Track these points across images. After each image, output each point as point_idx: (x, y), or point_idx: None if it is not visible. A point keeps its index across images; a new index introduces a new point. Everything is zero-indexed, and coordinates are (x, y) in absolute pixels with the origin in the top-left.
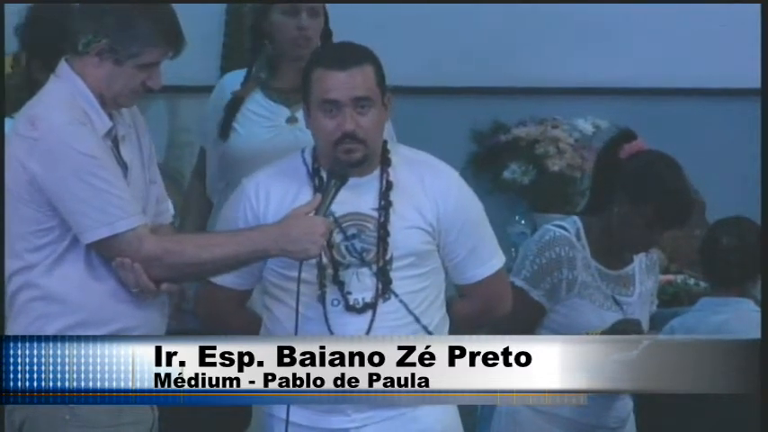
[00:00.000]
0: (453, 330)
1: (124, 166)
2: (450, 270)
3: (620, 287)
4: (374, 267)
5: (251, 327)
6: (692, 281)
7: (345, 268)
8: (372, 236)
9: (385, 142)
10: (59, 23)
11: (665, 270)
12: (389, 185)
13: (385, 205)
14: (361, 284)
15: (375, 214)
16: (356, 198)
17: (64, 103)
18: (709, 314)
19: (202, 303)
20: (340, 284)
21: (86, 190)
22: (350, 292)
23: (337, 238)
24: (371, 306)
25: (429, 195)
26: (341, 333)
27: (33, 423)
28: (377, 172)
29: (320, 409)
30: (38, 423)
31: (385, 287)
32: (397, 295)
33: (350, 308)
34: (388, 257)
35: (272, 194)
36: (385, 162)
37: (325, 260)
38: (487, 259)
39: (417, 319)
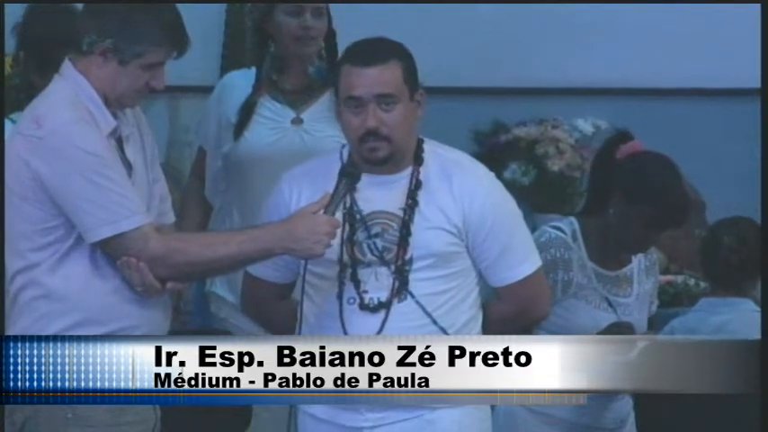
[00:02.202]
0: (488, 332)
1: (128, 166)
2: (482, 272)
3: (618, 288)
4: (393, 267)
5: (293, 319)
6: (692, 281)
7: (365, 267)
8: (395, 235)
9: (421, 140)
10: (54, 25)
11: (666, 270)
12: (418, 185)
13: (411, 204)
14: (379, 284)
15: (401, 213)
16: (385, 196)
17: (68, 103)
18: (710, 315)
19: (246, 296)
20: (357, 283)
21: (91, 189)
22: (366, 291)
23: (361, 236)
24: (385, 306)
25: (456, 196)
26: (354, 332)
27: (35, 422)
28: (408, 170)
29: (337, 406)
30: (39, 422)
31: (401, 287)
32: (413, 296)
33: (364, 306)
34: (407, 257)
35: (305, 188)
36: (417, 161)
37: (346, 258)
38: (519, 263)
39: (435, 321)
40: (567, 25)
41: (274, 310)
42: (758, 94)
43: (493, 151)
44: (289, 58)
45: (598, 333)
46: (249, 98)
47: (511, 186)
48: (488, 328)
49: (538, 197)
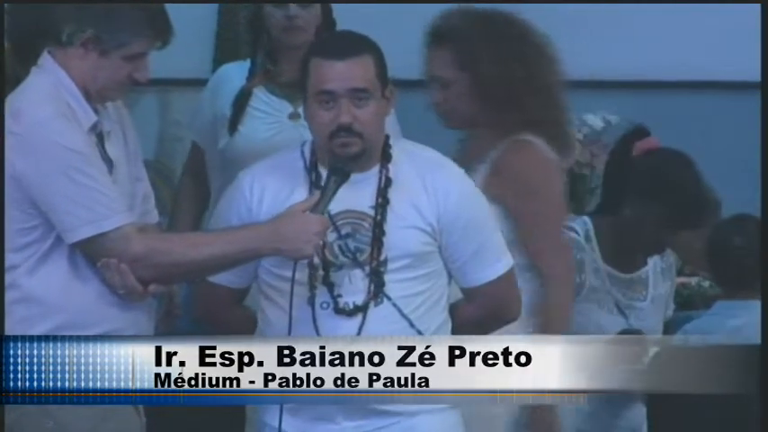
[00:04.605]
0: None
1: (109, 163)
2: (453, 272)
3: (632, 291)
4: (367, 269)
5: (247, 326)
6: (707, 283)
7: (337, 269)
8: (367, 235)
9: (387, 137)
10: (33, 15)
11: (679, 272)
12: (388, 182)
13: (382, 203)
14: (353, 287)
15: (372, 212)
16: (353, 195)
17: (47, 97)
18: (726, 318)
19: (197, 302)
20: (330, 286)
21: (71, 187)
22: (340, 295)
23: (331, 236)
24: (362, 309)
25: (429, 193)
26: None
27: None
28: (376, 168)
29: (310, 417)
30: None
31: (377, 290)
32: (390, 298)
33: (339, 311)
34: (382, 258)
35: (267, 189)
36: (385, 158)
37: (316, 260)
38: (493, 262)
39: (411, 324)
40: (575, 16)
41: (229, 317)
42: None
43: None
44: (282, 50)
45: (608, 339)
46: (244, 88)
47: None
48: (456, 332)
49: None
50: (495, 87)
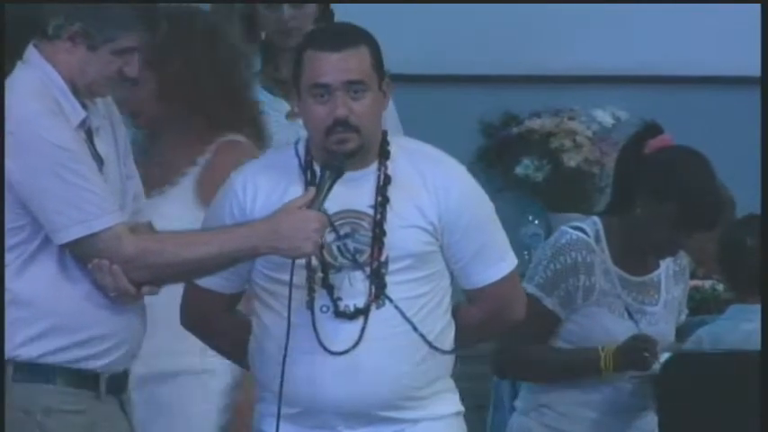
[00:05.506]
0: (460, 338)
1: (99, 160)
2: (455, 273)
3: (644, 295)
4: (368, 270)
5: (240, 333)
6: (720, 287)
7: (337, 271)
8: (367, 235)
9: (385, 133)
10: (19, 8)
11: (692, 275)
12: (387, 180)
13: (382, 202)
14: (354, 289)
15: (371, 212)
16: (351, 194)
17: (34, 92)
18: (740, 322)
19: (188, 308)
20: (330, 289)
21: (60, 185)
22: (340, 298)
23: (329, 237)
24: (363, 312)
25: (430, 191)
26: (330, 342)
27: None
28: (374, 165)
29: (309, 425)
30: None
31: (379, 292)
32: (392, 301)
33: (340, 314)
34: (383, 259)
35: (261, 188)
36: (383, 154)
37: (315, 262)
38: (496, 262)
39: (415, 328)
40: (583, 9)
41: (220, 324)
42: None
43: (504, 145)
44: (278, 50)
45: (618, 345)
46: None
47: (524, 182)
48: (459, 335)
49: (553, 194)
50: (181, 88)
